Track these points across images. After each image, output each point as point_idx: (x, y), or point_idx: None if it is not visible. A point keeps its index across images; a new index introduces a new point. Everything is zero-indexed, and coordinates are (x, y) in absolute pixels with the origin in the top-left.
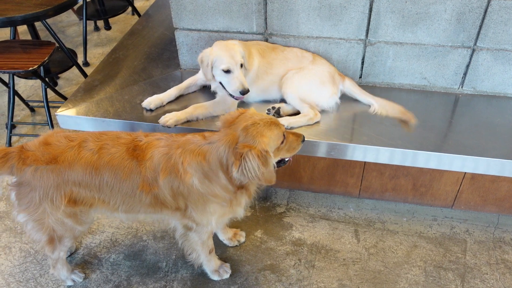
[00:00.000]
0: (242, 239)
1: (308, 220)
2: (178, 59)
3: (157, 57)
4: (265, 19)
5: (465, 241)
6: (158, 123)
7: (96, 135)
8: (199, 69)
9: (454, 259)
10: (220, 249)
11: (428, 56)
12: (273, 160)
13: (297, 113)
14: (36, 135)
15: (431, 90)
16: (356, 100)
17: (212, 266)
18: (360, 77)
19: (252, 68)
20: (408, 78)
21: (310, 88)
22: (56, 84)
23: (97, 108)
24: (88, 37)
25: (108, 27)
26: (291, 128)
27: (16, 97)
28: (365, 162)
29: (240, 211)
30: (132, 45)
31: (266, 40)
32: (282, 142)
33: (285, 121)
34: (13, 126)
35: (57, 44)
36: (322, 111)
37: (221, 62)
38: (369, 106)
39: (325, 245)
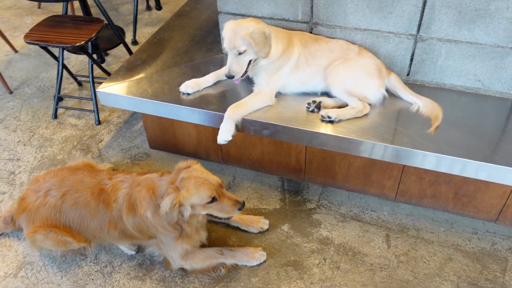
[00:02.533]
0: (265, 226)
1: (338, 219)
2: (221, 43)
3: (201, 40)
4: (311, 7)
5: (506, 260)
6: (199, 108)
7: (59, 182)
8: None
9: (492, 277)
10: (245, 240)
11: (484, 56)
12: (188, 211)
13: (339, 107)
14: (81, 109)
15: (485, 93)
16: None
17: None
18: (408, 74)
19: (292, 57)
20: (460, 79)
21: (356, 80)
22: (103, 60)
23: (136, 88)
24: (139, 16)
25: (159, 7)
26: (340, 120)
27: (65, 71)
28: (404, 165)
29: (199, 239)
30: (178, 26)
31: (311, 30)
32: (212, 202)
33: (333, 113)
34: (60, 99)
35: (106, 21)
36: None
37: (223, 42)
38: (412, 104)
39: (353, 247)
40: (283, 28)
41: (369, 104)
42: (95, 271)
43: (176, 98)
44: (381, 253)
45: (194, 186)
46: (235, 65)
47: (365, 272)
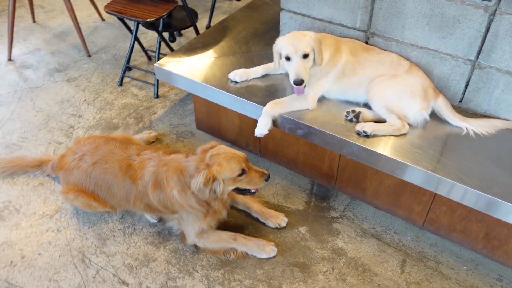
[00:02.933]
0: (283, 224)
1: (358, 233)
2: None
3: (262, 33)
4: (371, 16)
5: None
6: (242, 97)
7: (93, 149)
8: None
9: None
10: (261, 232)
11: None
12: (222, 185)
13: (379, 121)
14: (144, 81)
15: None
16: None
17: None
18: (461, 101)
19: (338, 64)
20: None
21: (399, 97)
22: (174, 39)
23: (190, 69)
24: (218, 5)
25: None
26: (375, 135)
27: (138, 45)
28: (435, 193)
29: (220, 218)
30: (245, 18)
31: (367, 40)
32: (241, 175)
33: (368, 127)
34: (129, 69)
35: (180, 3)
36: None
37: (284, 49)
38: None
39: (365, 264)
40: (340, 34)
41: (409, 125)
42: (118, 229)
43: (223, 85)
44: (392, 276)
45: (225, 160)
46: (302, 69)
47: None
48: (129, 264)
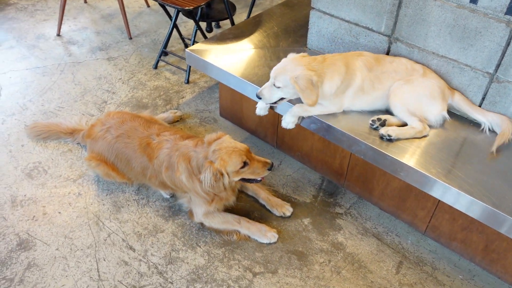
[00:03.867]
0: (288, 213)
1: (359, 231)
2: (308, 38)
3: (292, 30)
4: (395, 22)
5: None
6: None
7: (119, 123)
8: (322, 52)
9: None
10: (265, 219)
11: None
12: (228, 178)
13: (403, 125)
14: (177, 67)
15: None
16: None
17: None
18: None
19: (353, 83)
20: None
21: (419, 101)
22: (211, 30)
23: (216, 56)
24: (260, 1)
25: None
26: (398, 139)
27: (176, 32)
28: (439, 200)
29: (227, 203)
30: (278, 14)
31: (390, 44)
32: (243, 167)
33: (392, 131)
34: (165, 54)
35: None
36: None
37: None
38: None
39: (361, 261)
40: (365, 37)
41: (429, 126)
42: (133, 199)
43: (248, 75)
44: (387, 276)
45: (226, 155)
46: (266, 92)
47: (362, 287)
48: (138, 232)
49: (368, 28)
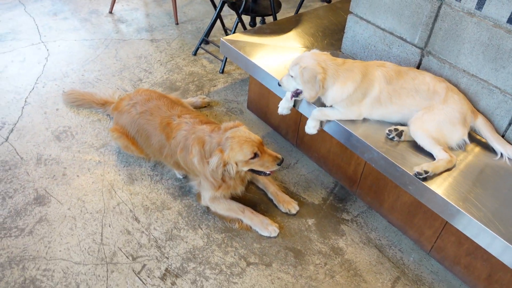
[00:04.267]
0: (293, 211)
1: (362, 240)
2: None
3: (331, 33)
4: (430, 35)
5: None
6: (280, 83)
7: (145, 100)
8: (354, 57)
9: None
10: (270, 212)
11: None
12: (235, 167)
13: None
14: (215, 56)
15: None
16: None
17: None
18: (503, 136)
19: (370, 93)
20: None
21: (439, 129)
22: (255, 24)
23: (249, 48)
24: (310, 3)
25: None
26: (434, 174)
27: (220, 23)
28: (447, 221)
29: (234, 192)
30: (319, 16)
31: (422, 57)
32: (253, 158)
33: (427, 167)
34: (207, 42)
35: None
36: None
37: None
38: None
39: (358, 269)
40: (398, 48)
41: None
42: (148, 175)
43: (275, 70)
44: None
45: (237, 145)
46: (284, 80)
47: None
48: (146, 205)
49: (402, 38)
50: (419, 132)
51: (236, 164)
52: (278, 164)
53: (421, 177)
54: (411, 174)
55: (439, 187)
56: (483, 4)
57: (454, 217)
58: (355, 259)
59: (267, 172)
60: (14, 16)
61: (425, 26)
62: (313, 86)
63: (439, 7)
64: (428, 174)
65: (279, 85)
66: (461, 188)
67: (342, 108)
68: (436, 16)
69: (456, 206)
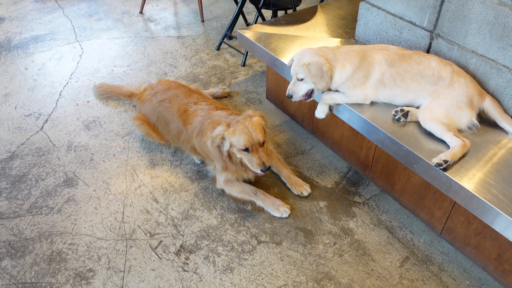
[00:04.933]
0: (305, 193)
1: (372, 222)
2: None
3: (345, 23)
4: (438, 18)
5: None
6: (289, 95)
7: (164, 90)
8: (367, 43)
9: None
10: (283, 195)
11: None
12: (227, 146)
13: None
14: (238, 50)
15: None
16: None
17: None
18: None
19: (371, 75)
20: None
21: (447, 114)
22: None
23: (264, 39)
24: None
25: None
26: (454, 162)
27: (242, 18)
28: (455, 201)
29: (244, 175)
30: (336, 6)
31: (431, 40)
32: (245, 151)
33: (445, 156)
34: (230, 37)
35: None
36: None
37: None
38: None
39: (367, 249)
40: (408, 32)
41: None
42: (168, 160)
43: (289, 59)
44: (389, 267)
45: (238, 130)
46: (293, 87)
47: (361, 272)
48: (165, 187)
49: (411, 23)
50: (428, 121)
51: (231, 145)
52: (261, 170)
53: (441, 167)
54: (415, 153)
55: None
56: None
57: (457, 194)
58: (365, 240)
59: (255, 171)
60: (53, 18)
61: (432, 9)
62: (322, 77)
63: None
64: (448, 163)
65: (289, 97)
66: (463, 166)
67: (347, 90)
68: None
69: (457, 181)
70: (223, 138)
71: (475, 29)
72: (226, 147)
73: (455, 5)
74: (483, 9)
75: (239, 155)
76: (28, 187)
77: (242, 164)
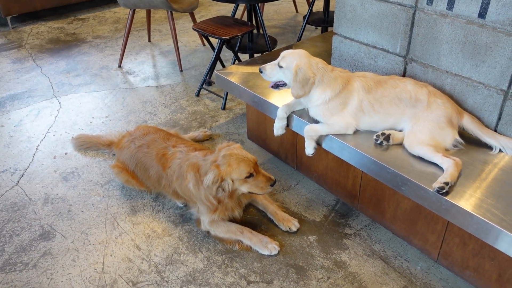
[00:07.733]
0: (294, 228)
1: (366, 253)
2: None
3: (324, 57)
4: (409, 42)
5: None
6: (261, 70)
7: (142, 135)
8: None
9: None
10: (271, 232)
11: None
12: (231, 184)
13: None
14: (217, 95)
15: None
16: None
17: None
18: (495, 131)
19: (350, 102)
20: None
21: (431, 135)
22: None
23: (242, 78)
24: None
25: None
26: (454, 182)
27: (219, 63)
28: (448, 221)
29: (231, 214)
30: (310, 45)
31: (406, 65)
32: (249, 177)
33: (444, 178)
34: (208, 83)
35: (256, 29)
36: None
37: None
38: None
39: (362, 281)
40: (382, 59)
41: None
42: (150, 205)
43: (268, 96)
44: None
45: (235, 162)
46: (269, 67)
47: None
48: (147, 233)
49: (384, 50)
50: (416, 145)
51: (232, 181)
52: (271, 185)
53: (444, 191)
54: (402, 174)
55: (427, 185)
56: (453, 4)
57: (448, 213)
58: (359, 272)
59: (261, 193)
60: (31, 77)
61: (403, 34)
62: (303, 87)
63: (414, 14)
64: (450, 184)
65: (261, 71)
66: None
67: (325, 119)
68: (412, 23)
69: (449, 200)
70: (222, 180)
71: (446, 50)
72: (229, 186)
73: (424, 28)
74: (452, 30)
75: (243, 187)
76: (1, 244)
77: (232, 200)
